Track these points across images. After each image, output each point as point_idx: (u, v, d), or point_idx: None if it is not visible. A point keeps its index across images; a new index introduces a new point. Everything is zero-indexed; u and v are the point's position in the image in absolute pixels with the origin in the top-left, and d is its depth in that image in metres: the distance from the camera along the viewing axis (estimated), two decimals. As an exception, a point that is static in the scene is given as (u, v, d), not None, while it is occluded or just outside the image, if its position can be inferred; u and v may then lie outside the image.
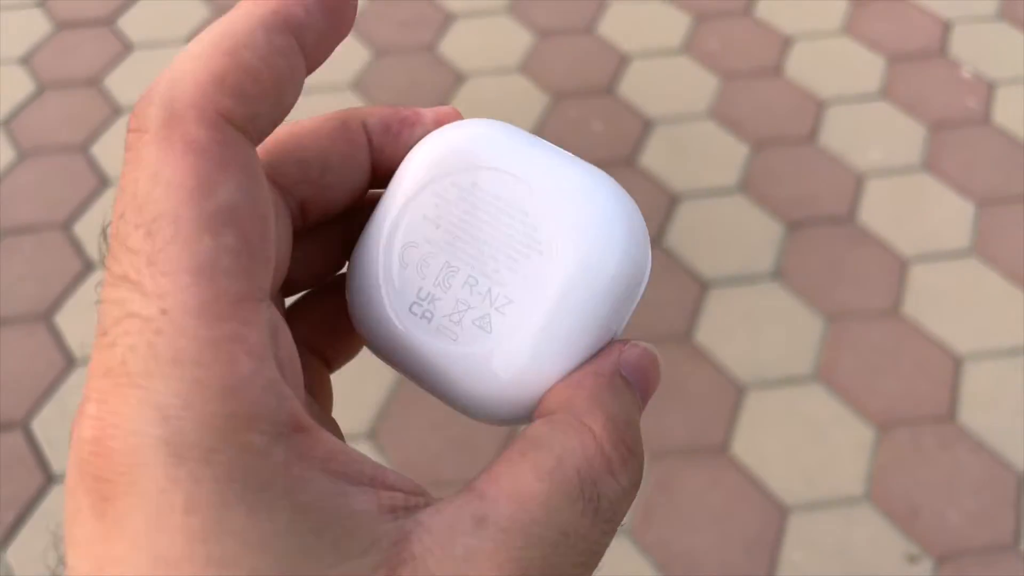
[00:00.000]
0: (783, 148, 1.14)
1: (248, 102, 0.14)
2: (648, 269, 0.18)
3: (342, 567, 0.13)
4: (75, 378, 0.94)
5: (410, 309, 0.18)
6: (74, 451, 0.13)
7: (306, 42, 0.15)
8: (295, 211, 0.17)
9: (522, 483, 0.14)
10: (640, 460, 0.16)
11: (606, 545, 0.15)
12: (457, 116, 0.19)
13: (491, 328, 0.18)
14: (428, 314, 0.18)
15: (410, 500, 0.14)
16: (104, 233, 0.14)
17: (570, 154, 0.18)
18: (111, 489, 0.12)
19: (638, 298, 0.18)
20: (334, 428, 0.18)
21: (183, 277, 0.13)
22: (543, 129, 1.16)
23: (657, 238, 1.05)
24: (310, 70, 0.16)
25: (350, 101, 1.19)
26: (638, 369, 0.17)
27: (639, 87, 1.21)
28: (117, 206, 0.14)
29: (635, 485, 0.16)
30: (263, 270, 0.14)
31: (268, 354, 0.13)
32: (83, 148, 1.16)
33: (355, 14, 0.17)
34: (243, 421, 0.12)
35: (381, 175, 0.19)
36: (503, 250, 0.17)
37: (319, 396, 0.19)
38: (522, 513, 0.14)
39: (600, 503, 0.15)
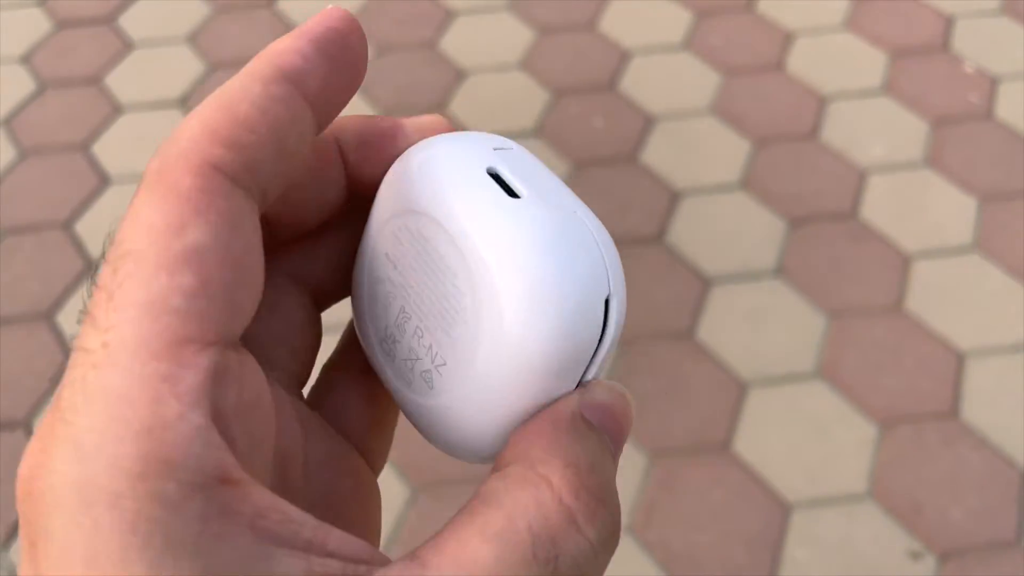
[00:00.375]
0: (785, 144, 1.13)
1: (242, 151, 0.14)
2: (614, 328, 0.16)
3: None
4: (77, 377, 0.94)
5: (380, 344, 0.18)
6: (16, 488, 0.13)
7: (309, 90, 0.15)
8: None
9: (467, 547, 0.13)
10: (613, 510, 0.14)
11: None
12: (442, 126, 0.18)
13: (432, 385, 0.17)
14: (391, 353, 0.18)
15: (348, 569, 0.13)
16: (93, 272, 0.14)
17: (533, 192, 0.16)
18: (34, 533, 0.12)
19: (603, 354, 0.16)
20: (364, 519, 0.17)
21: (130, 312, 0.12)
22: (544, 126, 1.15)
23: (658, 235, 1.04)
24: (323, 119, 0.16)
25: (352, 100, 1.19)
26: (603, 410, 0.16)
27: (640, 83, 1.21)
28: (107, 246, 0.14)
29: (608, 538, 0.14)
30: (222, 315, 0.13)
31: (202, 399, 0.12)
32: (84, 147, 1.15)
33: (365, 56, 0.16)
34: (158, 466, 0.12)
35: (363, 189, 0.18)
36: (439, 309, 0.16)
37: (362, 502, 0.18)
38: None
39: (559, 564, 0.13)
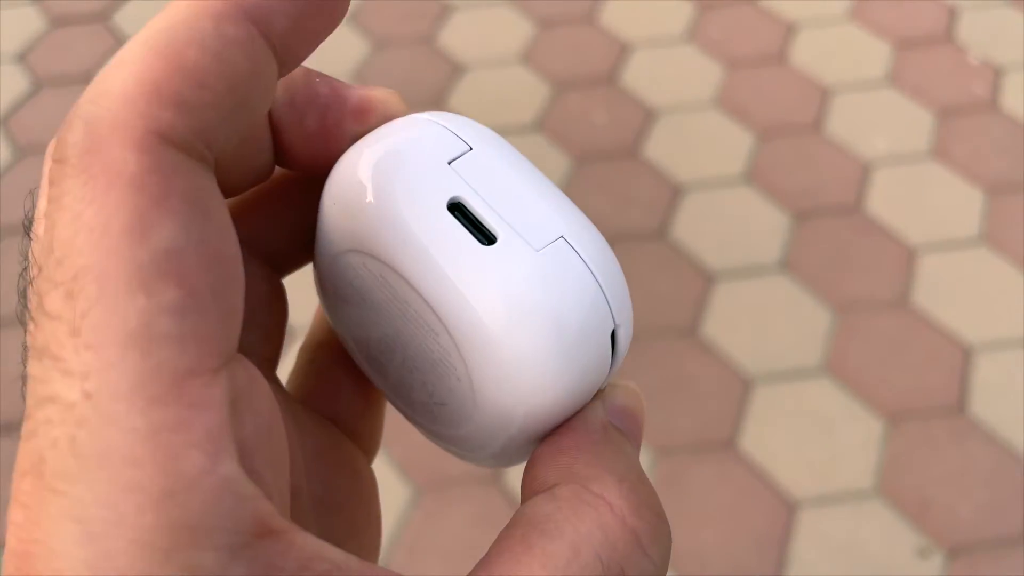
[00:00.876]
0: (788, 137, 1.12)
1: (194, 113, 0.11)
2: (623, 351, 0.15)
3: None
4: (75, 379, 0.94)
5: (366, 359, 0.17)
6: (4, 563, 0.11)
7: (274, 30, 0.12)
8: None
9: None
10: (667, 523, 0.13)
11: None
12: (389, 107, 0.15)
13: (435, 418, 0.16)
14: (381, 372, 0.16)
15: None
16: (22, 292, 0.11)
17: (507, 223, 0.14)
18: None
19: (615, 372, 0.15)
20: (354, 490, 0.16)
21: (110, 351, 0.10)
22: (545, 121, 1.15)
23: (661, 230, 1.04)
24: (287, 67, 0.12)
25: (349, 95, 1.18)
26: (626, 414, 0.15)
27: (642, 77, 1.20)
28: (33, 257, 0.11)
29: (667, 553, 0.13)
30: (222, 327, 0.11)
31: (225, 442, 0.10)
32: (80, 146, 1.15)
33: None
34: (189, 535, 0.10)
35: (290, 158, 0.15)
36: (427, 358, 0.15)
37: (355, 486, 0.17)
38: None
39: None
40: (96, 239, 0.10)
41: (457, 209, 0.14)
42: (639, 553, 0.12)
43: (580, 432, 0.14)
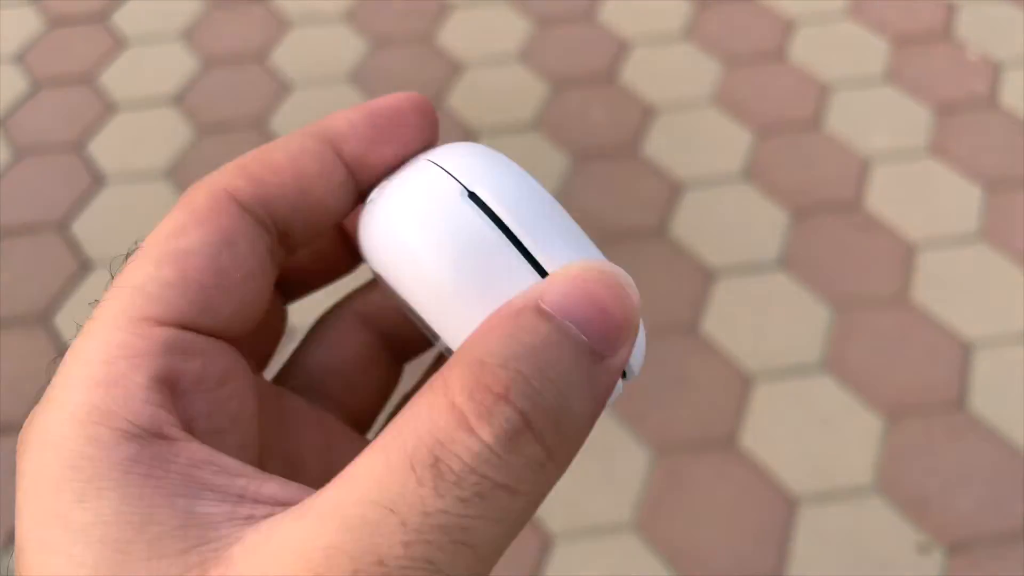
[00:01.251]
0: (787, 134, 1.12)
1: (260, 185, 0.16)
2: (511, 220, 0.15)
3: (154, 563, 0.12)
4: (75, 379, 0.94)
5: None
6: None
7: (346, 149, 0.17)
8: (273, 244, 0.17)
9: (357, 463, 0.13)
10: (517, 407, 0.12)
11: (478, 520, 0.12)
12: (416, 112, 0.17)
13: None
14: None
15: (277, 510, 0.13)
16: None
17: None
18: (18, 473, 0.14)
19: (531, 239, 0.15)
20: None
21: (118, 292, 0.15)
22: (543, 119, 1.14)
23: (660, 228, 1.04)
24: (362, 178, 0.17)
25: (347, 93, 1.18)
26: (564, 295, 0.13)
27: (640, 74, 1.20)
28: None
29: (508, 437, 0.12)
30: (190, 307, 0.15)
31: (148, 364, 0.14)
32: (78, 146, 1.15)
33: (424, 127, 0.17)
34: (98, 415, 0.13)
35: (368, 180, 0.18)
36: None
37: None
38: (347, 494, 0.12)
39: (442, 468, 0.12)
40: (155, 233, 0.15)
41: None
42: (461, 431, 0.12)
43: (486, 322, 0.14)
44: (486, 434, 0.12)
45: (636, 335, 0.14)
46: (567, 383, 0.13)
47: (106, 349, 0.14)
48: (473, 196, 0.15)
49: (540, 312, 0.13)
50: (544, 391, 0.13)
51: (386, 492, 0.12)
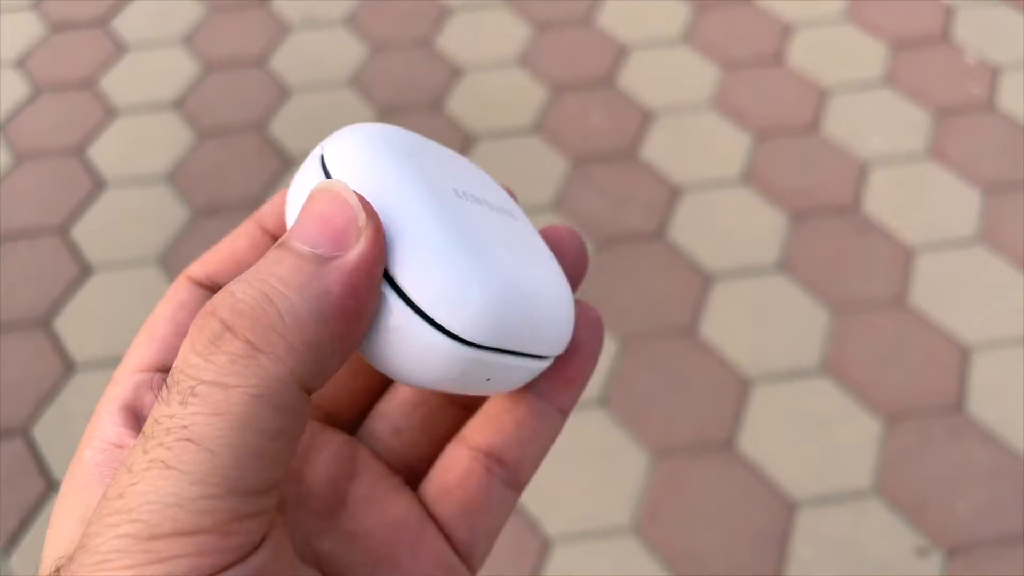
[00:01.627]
0: (786, 138, 1.13)
1: (207, 266, 0.21)
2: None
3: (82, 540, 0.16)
4: (75, 383, 0.94)
5: None
6: None
7: (269, 224, 0.21)
8: None
9: None
10: (219, 317, 0.15)
11: (196, 416, 0.15)
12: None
13: None
14: None
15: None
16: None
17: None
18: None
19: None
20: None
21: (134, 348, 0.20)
22: (543, 123, 1.15)
23: (659, 231, 1.04)
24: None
25: (347, 97, 1.18)
26: (303, 219, 0.17)
27: (639, 78, 1.20)
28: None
29: (210, 340, 0.15)
30: (158, 354, 0.20)
31: (115, 400, 0.19)
32: (79, 151, 1.15)
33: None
34: (88, 438, 0.19)
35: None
36: None
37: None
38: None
39: (170, 382, 0.16)
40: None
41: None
42: (184, 351, 0.16)
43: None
44: (198, 345, 0.15)
45: (368, 232, 0.16)
46: (283, 287, 0.15)
47: (106, 394, 0.19)
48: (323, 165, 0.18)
49: (280, 244, 0.16)
50: (246, 299, 0.15)
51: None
